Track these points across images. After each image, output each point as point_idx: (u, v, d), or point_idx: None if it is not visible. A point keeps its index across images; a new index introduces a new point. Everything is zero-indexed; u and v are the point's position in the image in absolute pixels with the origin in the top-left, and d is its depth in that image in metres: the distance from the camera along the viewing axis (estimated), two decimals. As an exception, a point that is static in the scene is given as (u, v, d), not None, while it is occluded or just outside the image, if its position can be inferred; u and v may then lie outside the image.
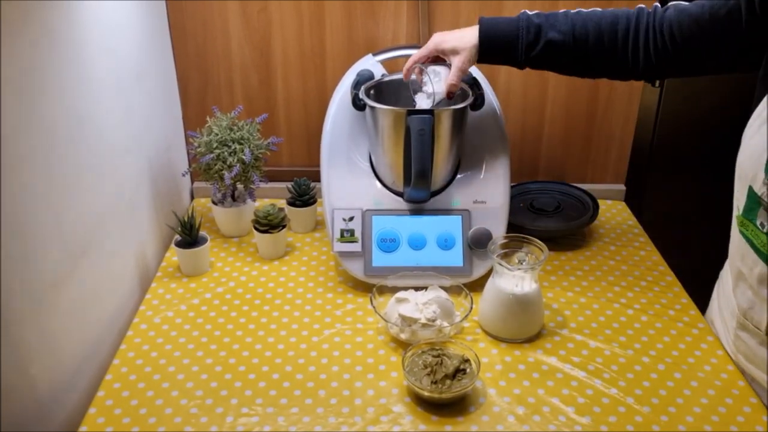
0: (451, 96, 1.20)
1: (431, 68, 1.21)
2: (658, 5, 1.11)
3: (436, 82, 1.20)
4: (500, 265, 1.14)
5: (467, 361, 1.05)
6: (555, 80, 1.54)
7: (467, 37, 1.16)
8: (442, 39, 1.18)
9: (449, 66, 1.19)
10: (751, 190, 0.97)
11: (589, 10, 1.14)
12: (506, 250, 1.18)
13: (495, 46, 1.16)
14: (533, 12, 1.15)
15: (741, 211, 1.01)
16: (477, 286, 1.27)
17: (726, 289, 1.12)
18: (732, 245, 1.07)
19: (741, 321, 1.06)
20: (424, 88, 1.23)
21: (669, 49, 1.08)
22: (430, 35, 1.47)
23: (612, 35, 1.11)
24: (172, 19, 1.48)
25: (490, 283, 1.17)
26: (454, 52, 1.17)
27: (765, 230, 0.95)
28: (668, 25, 1.07)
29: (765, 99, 0.97)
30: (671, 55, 1.08)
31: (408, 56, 1.43)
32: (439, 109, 1.20)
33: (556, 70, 1.19)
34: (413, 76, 1.25)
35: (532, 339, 1.17)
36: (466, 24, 1.46)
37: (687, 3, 1.08)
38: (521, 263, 1.15)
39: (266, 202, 1.45)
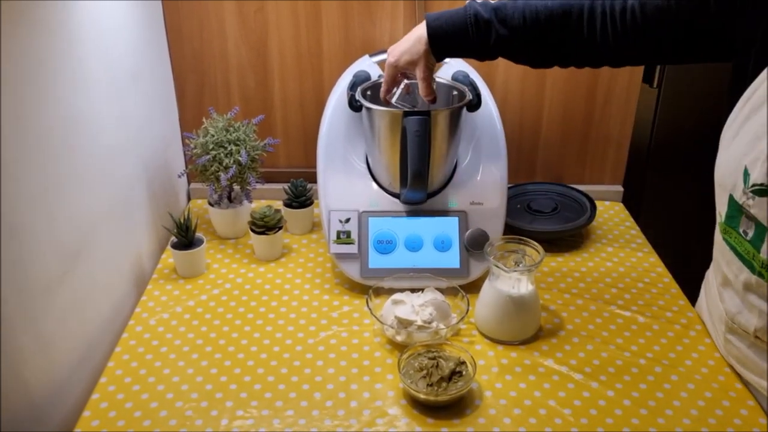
0: (434, 101, 1.17)
1: (408, 84, 1.20)
2: None
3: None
4: (497, 267, 1.13)
5: (463, 363, 1.05)
6: (552, 81, 1.54)
7: (417, 45, 1.11)
8: (395, 57, 1.14)
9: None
10: (731, 198, 0.96)
11: None
12: (503, 252, 1.18)
13: (448, 46, 1.10)
14: (480, 1, 1.08)
15: (723, 219, 1.00)
16: (474, 287, 1.27)
17: (712, 292, 1.12)
18: (716, 251, 1.07)
19: (729, 325, 1.06)
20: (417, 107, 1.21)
21: (630, 37, 1.02)
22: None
23: (566, 24, 1.04)
24: (168, 20, 1.48)
25: (486, 285, 1.17)
26: (412, 64, 1.13)
27: (748, 238, 0.94)
28: (630, 13, 1.01)
29: (736, 108, 0.96)
30: (631, 42, 1.03)
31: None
32: (436, 110, 1.20)
33: (516, 62, 1.13)
34: (395, 100, 1.21)
35: (529, 341, 1.16)
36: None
37: None
38: (518, 265, 1.15)
39: (263, 204, 1.44)
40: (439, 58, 1.13)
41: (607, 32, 1.04)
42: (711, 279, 1.14)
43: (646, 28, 1.01)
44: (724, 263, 1.03)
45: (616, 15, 1.02)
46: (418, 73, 1.14)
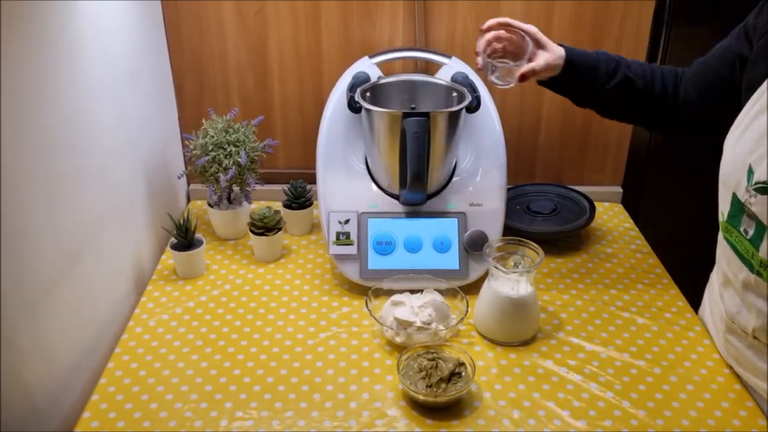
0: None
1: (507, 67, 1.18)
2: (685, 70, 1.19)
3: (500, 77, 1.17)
4: (496, 268, 1.14)
5: (462, 364, 1.05)
6: (552, 82, 1.54)
7: (557, 48, 1.16)
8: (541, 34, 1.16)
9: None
10: (734, 197, 0.97)
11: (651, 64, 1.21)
12: (502, 253, 1.18)
13: (579, 64, 1.16)
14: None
15: (725, 217, 1.01)
16: (473, 288, 1.27)
17: (714, 293, 1.12)
18: (718, 250, 1.08)
19: (729, 325, 1.06)
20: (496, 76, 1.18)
21: (693, 106, 1.16)
22: (426, 37, 1.49)
23: (673, 87, 1.18)
24: (167, 20, 1.48)
25: (486, 286, 1.17)
26: (543, 47, 1.15)
27: (748, 237, 0.95)
28: (688, 80, 1.16)
29: (745, 108, 0.97)
30: (694, 111, 1.16)
31: (404, 58, 1.44)
32: (435, 112, 1.20)
33: (621, 108, 1.22)
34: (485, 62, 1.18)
35: (528, 342, 1.16)
36: (463, 26, 1.47)
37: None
38: (517, 266, 1.15)
39: (262, 205, 1.44)
40: (564, 72, 1.16)
41: (677, 105, 1.18)
42: (714, 280, 1.14)
43: (699, 93, 1.15)
44: (724, 262, 1.04)
45: (681, 87, 1.17)
46: (541, 58, 1.14)
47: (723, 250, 1.05)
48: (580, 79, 1.17)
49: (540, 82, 1.19)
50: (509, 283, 1.14)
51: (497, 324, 1.15)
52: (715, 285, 1.12)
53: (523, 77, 1.14)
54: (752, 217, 0.94)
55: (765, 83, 0.94)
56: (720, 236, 1.05)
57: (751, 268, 0.96)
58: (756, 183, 0.92)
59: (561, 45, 1.16)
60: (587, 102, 1.21)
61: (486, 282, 1.17)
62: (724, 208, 1.02)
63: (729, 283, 1.04)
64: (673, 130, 1.28)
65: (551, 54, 1.14)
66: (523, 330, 1.16)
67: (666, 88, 1.17)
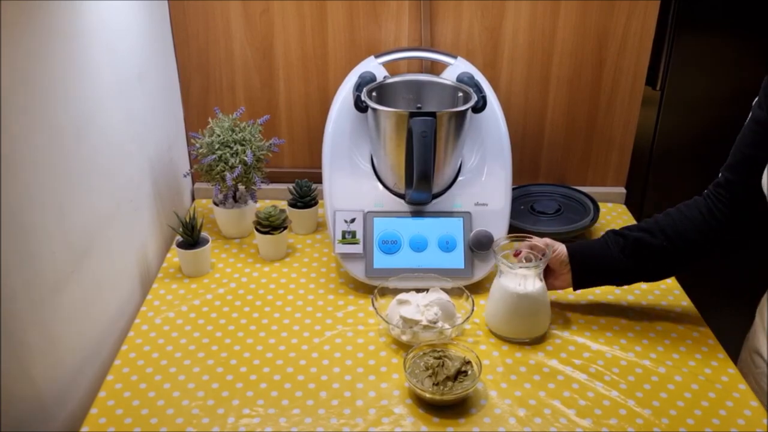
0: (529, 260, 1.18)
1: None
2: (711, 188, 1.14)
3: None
4: (503, 263, 1.14)
5: (468, 363, 1.05)
6: (556, 83, 1.55)
7: (564, 252, 1.17)
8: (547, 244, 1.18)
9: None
10: None
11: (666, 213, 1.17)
12: (510, 250, 1.18)
13: (584, 250, 1.17)
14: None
15: None
16: (478, 288, 1.27)
17: None
18: None
19: None
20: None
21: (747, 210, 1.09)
22: (432, 37, 1.49)
23: (701, 215, 1.13)
24: (174, 20, 1.48)
25: (495, 284, 1.18)
26: (549, 245, 1.17)
27: None
28: (727, 191, 1.10)
29: None
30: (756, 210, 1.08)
31: (410, 58, 1.44)
32: (442, 112, 1.20)
33: (651, 269, 1.17)
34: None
35: (539, 339, 1.17)
36: (468, 26, 1.48)
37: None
38: (526, 262, 1.15)
39: (267, 204, 1.45)
40: (576, 269, 1.17)
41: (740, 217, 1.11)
42: None
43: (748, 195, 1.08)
44: None
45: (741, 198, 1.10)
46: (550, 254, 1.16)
47: None
48: (594, 263, 1.17)
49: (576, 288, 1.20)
50: (517, 278, 1.14)
51: (507, 320, 1.15)
52: None
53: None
54: None
55: None
56: None
57: None
58: None
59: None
60: (623, 279, 1.20)
61: (495, 279, 1.18)
62: None
63: None
64: (738, 246, 1.17)
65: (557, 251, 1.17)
66: (534, 326, 1.16)
67: (695, 223, 1.13)
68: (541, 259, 1.15)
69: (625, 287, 1.31)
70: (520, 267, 1.13)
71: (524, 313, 1.14)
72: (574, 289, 1.20)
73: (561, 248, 1.17)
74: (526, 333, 1.16)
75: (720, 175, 1.12)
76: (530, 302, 1.14)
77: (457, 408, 1.02)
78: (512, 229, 1.36)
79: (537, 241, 1.18)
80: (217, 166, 1.37)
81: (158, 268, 1.36)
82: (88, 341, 1.09)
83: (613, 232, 1.17)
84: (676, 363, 1.12)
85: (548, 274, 1.19)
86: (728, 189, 1.10)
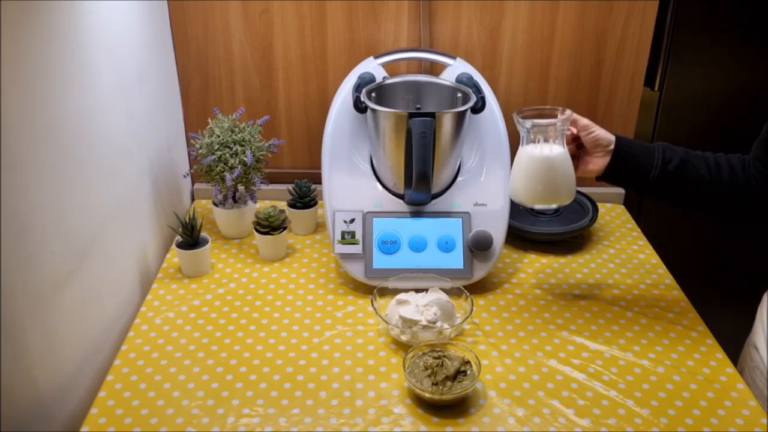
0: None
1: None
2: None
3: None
4: (519, 123, 1.10)
5: (468, 362, 1.06)
6: (555, 83, 1.55)
7: (606, 135, 1.15)
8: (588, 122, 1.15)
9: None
10: None
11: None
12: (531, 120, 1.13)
13: (631, 147, 1.15)
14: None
15: None
16: (477, 288, 1.28)
17: None
18: None
19: None
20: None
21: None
22: (431, 37, 1.49)
23: (742, 170, 1.12)
24: (173, 21, 1.49)
25: (518, 154, 1.13)
26: (587, 130, 1.14)
27: None
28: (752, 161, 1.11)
29: None
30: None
31: (409, 59, 1.45)
32: (441, 112, 1.21)
33: (687, 196, 1.15)
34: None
35: (564, 205, 1.14)
36: (467, 26, 1.48)
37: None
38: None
39: (267, 204, 1.45)
40: (614, 164, 1.14)
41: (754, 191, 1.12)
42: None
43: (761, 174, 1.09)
44: None
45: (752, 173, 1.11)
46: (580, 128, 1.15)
47: None
48: (635, 161, 1.14)
49: (599, 177, 1.17)
50: (538, 146, 1.10)
51: (529, 186, 1.11)
52: None
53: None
54: None
55: None
56: None
57: None
58: None
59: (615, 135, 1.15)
60: (649, 190, 1.17)
61: (518, 151, 1.13)
62: None
63: None
64: (755, 219, 1.18)
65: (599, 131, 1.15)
66: (561, 189, 1.12)
67: (735, 174, 1.12)
68: (557, 118, 1.10)
69: (623, 287, 1.31)
70: (533, 124, 1.09)
71: (546, 176, 1.10)
72: (598, 179, 1.16)
73: (600, 132, 1.14)
74: (550, 198, 1.12)
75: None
76: (552, 166, 1.10)
77: (457, 408, 1.02)
78: (511, 229, 1.36)
79: (576, 117, 1.15)
80: (217, 166, 1.37)
81: (158, 269, 1.36)
82: (88, 341, 1.09)
83: (666, 145, 1.15)
84: (674, 363, 1.12)
85: (581, 157, 1.16)
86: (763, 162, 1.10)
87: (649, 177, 1.13)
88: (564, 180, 1.12)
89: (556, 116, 1.11)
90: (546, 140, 1.10)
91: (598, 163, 1.15)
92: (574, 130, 1.15)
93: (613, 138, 1.14)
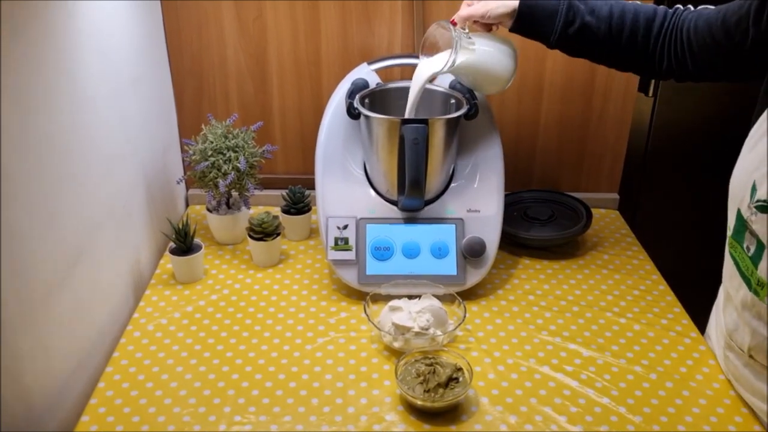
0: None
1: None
2: (680, 7, 1.11)
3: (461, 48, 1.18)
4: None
5: (460, 369, 1.06)
6: (549, 89, 1.55)
7: (501, 7, 1.14)
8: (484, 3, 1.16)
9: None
10: (739, 212, 0.96)
11: (629, 2, 1.13)
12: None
13: (533, 14, 1.13)
14: None
15: (731, 233, 1.00)
16: (471, 294, 1.28)
17: (719, 308, 1.12)
18: (725, 265, 1.06)
19: (728, 341, 1.06)
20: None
21: (686, 54, 1.07)
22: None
23: (645, 31, 1.10)
24: (167, 26, 1.49)
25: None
26: (483, 17, 1.16)
27: (750, 254, 0.94)
28: (686, 29, 1.07)
29: (761, 119, 0.95)
30: (688, 59, 1.08)
31: (403, 65, 1.44)
32: (434, 118, 1.21)
33: (584, 55, 1.17)
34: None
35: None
36: (461, 33, 1.48)
37: (711, 7, 1.06)
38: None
39: (261, 210, 1.45)
40: (516, 29, 1.16)
41: (670, 50, 1.09)
42: (720, 295, 1.14)
43: (699, 46, 1.05)
44: (727, 278, 1.04)
45: (677, 32, 1.08)
46: (475, 7, 1.16)
47: (727, 266, 1.03)
48: (535, 26, 1.15)
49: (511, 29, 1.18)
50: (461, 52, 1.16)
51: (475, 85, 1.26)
52: (720, 300, 1.12)
53: (453, 22, 1.17)
54: (753, 234, 0.93)
55: None
56: (726, 251, 1.04)
57: (749, 285, 0.95)
58: (757, 201, 0.90)
59: None
60: (555, 46, 1.17)
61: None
62: (730, 222, 1.00)
63: (730, 299, 1.04)
64: (655, 77, 1.20)
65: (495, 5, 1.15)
66: (493, 80, 1.23)
67: (635, 39, 1.11)
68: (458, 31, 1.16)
69: (617, 293, 1.31)
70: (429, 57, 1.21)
71: (479, 74, 1.22)
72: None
73: (497, 9, 1.14)
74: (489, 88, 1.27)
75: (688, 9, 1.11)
76: (476, 64, 1.19)
77: (449, 415, 1.02)
78: (505, 235, 1.36)
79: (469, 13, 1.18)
80: (210, 172, 1.37)
81: (151, 275, 1.36)
82: (80, 348, 1.09)
83: (573, 3, 1.12)
84: (667, 370, 1.12)
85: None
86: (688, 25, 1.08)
87: (549, 40, 1.15)
88: (493, 69, 1.21)
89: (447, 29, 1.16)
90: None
91: (507, 24, 1.17)
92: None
93: (514, 6, 1.14)
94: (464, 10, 1.17)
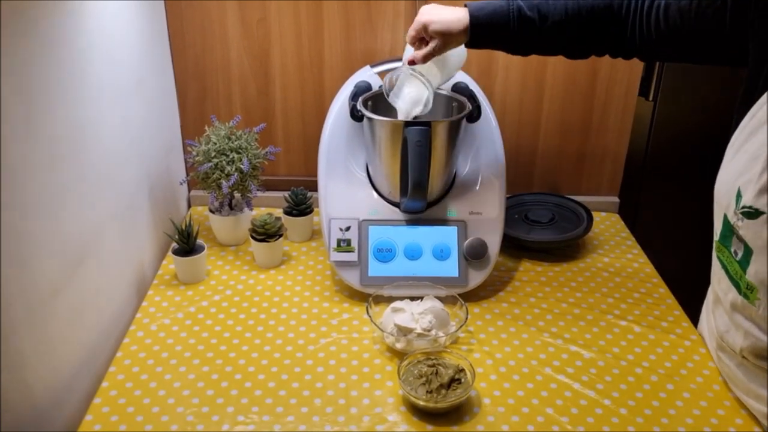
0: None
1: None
2: None
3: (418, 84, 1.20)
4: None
5: (462, 370, 1.06)
6: (550, 93, 1.56)
7: (456, 23, 1.10)
8: (430, 19, 1.11)
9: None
10: (725, 217, 0.97)
11: None
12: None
13: (486, 35, 1.11)
14: None
15: (718, 237, 1.01)
16: (472, 296, 1.28)
17: (709, 309, 1.13)
18: (712, 268, 1.07)
19: (719, 343, 1.07)
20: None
21: (653, 36, 1.06)
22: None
23: (606, 19, 1.08)
24: (171, 28, 1.49)
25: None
26: (438, 35, 1.11)
27: (737, 258, 0.95)
28: (655, 12, 1.05)
29: (743, 123, 0.96)
30: (655, 41, 1.06)
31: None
32: (436, 121, 1.21)
33: (548, 55, 1.18)
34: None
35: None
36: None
37: None
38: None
39: (263, 211, 1.45)
40: (471, 45, 1.14)
41: (635, 30, 1.08)
42: (708, 296, 1.15)
43: (669, 28, 1.04)
44: (716, 281, 1.05)
45: (644, 14, 1.06)
46: (432, 45, 1.12)
47: (715, 269, 1.05)
48: (493, 39, 1.13)
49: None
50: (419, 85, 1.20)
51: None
52: (709, 301, 1.13)
53: (412, 62, 1.16)
54: (740, 239, 0.94)
55: (762, 98, 0.92)
56: (713, 254, 1.05)
57: (738, 289, 0.96)
58: (743, 207, 0.91)
59: (467, 5, 1.12)
60: (516, 49, 1.15)
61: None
62: (717, 227, 1.02)
63: (719, 301, 1.05)
64: (621, 54, 1.14)
65: (447, 40, 1.12)
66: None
67: (594, 13, 1.08)
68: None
69: (617, 296, 1.32)
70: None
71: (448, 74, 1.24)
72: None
73: (450, 29, 1.10)
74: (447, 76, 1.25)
75: None
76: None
77: (451, 416, 1.03)
78: (506, 238, 1.37)
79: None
80: (213, 173, 1.37)
81: (154, 275, 1.37)
82: (84, 348, 1.09)
83: (522, 10, 1.09)
84: (667, 372, 1.13)
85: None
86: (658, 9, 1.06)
87: (510, 43, 1.14)
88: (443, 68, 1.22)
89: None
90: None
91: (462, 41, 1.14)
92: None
93: (465, 21, 1.10)
94: (420, 52, 1.14)
